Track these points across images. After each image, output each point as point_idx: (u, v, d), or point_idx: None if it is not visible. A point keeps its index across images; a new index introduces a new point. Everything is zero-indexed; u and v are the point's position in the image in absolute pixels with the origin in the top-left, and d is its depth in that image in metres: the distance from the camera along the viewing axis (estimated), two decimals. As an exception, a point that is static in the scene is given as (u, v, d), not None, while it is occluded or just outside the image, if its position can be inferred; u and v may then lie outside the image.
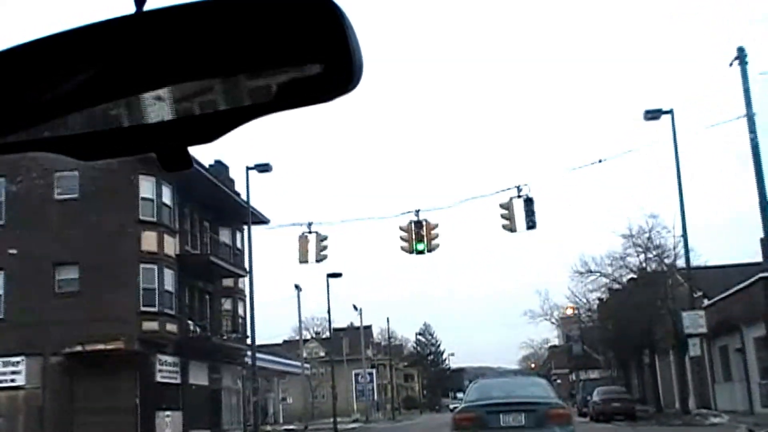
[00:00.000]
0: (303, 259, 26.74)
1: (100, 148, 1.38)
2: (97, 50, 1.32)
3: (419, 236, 24.46)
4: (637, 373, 60.08)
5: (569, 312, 69.76)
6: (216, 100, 1.32)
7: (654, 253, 40.89)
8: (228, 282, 42.42)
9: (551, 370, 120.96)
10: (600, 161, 30.12)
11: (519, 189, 23.81)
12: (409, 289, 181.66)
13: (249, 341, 39.73)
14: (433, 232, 24.69)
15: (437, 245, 24.91)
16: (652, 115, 33.16)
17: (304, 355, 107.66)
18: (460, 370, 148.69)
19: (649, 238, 40.62)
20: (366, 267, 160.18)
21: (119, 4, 1.32)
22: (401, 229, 24.81)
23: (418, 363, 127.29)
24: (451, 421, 14.17)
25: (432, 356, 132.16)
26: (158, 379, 34.78)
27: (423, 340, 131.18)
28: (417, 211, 24.65)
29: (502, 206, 24.02)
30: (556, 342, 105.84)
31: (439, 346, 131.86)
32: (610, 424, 36.10)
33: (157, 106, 1.32)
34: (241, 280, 43.94)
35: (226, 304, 42.59)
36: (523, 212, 23.72)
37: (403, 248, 24.91)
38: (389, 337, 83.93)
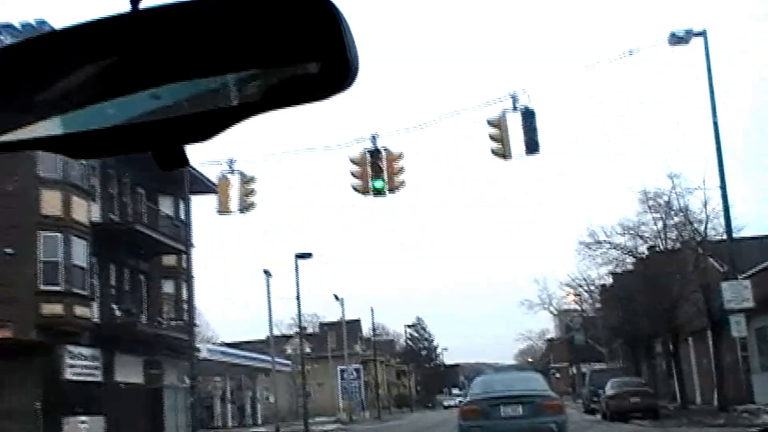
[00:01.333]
0: (223, 209, 19.51)
1: (95, 146, 1.35)
2: (93, 48, 1.29)
3: (377, 169, 17.02)
4: (647, 364, 52.81)
5: (570, 299, 62.53)
6: (212, 99, 1.29)
7: (675, 219, 33.55)
8: (170, 260, 34.99)
9: (550, 363, 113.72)
10: (630, 53, 22.42)
11: (514, 99, 16.53)
12: (398, 281, 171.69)
13: (206, 332, 32.40)
14: (395, 164, 17.33)
15: (402, 183, 17.49)
16: (680, 38, 25.88)
17: (289, 351, 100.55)
18: (455, 366, 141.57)
19: (668, 202, 33.30)
20: (351, 257, 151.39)
21: (115, 2, 1.28)
22: (353, 161, 17.46)
23: (411, 359, 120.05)
24: (459, 412, 16.00)
25: (425, 351, 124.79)
26: (68, 376, 27.40)
27: (415, 334, 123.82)
28: (374, 137, 17.27)
29: (490, 123, 16.77)
30: (554, 334, 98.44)
31: (432, 341, 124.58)
32: (629, 425, 28.79)
33: (153, 105, 1.29)
34: (187, 259, 36.67)
35: (168, 287, 35.18)
36: (520, 130, 16.46)
37: (355, 188, 17.56)
38: (374, 329, 76.58)
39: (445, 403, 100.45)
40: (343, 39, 1.19)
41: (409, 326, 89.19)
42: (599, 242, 36.64)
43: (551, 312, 71.61)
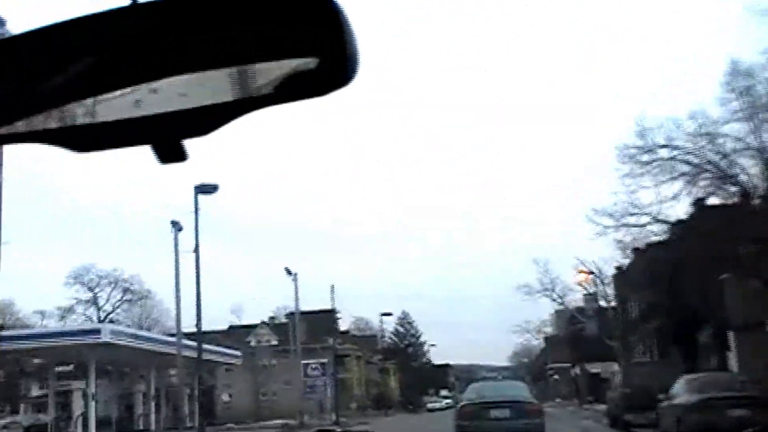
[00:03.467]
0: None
1: (94, 140, 1.32)
2: (93, 42, 1.26)
3: None
4: (687, 356, 37.38)
5: (581, 278, 47.40)
6: (211, 93, 1.26)
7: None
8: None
9: (546, 364, 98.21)
10: None
11: None
12: (385, 273, 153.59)
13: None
14: None
15: None
16: None
17: (253, 343, 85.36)
18: (446, 366, 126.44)
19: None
20: (333, 245, 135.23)
21: (115, -5, 1.10)
22: None
23: (396, 355, 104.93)
24: (456, 413, 18.02)
25: (411, 348, 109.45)
26: None
27: (401, 329, 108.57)
28: None
29: None
30: (552, 328, 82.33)
31: (419, 337, 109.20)
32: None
33: (153, 99, 1.27)
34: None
35: None
36: None
37: None
38: (334, 311, 61.51)
39: (429, 406, 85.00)
40: (343, 34, 1.14)
41: (384, 314, 73.65)
42: (653, 149, 21.23)
43: (553, 299, 56.40)
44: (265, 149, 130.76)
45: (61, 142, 1.29)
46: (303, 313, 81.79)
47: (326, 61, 1.16)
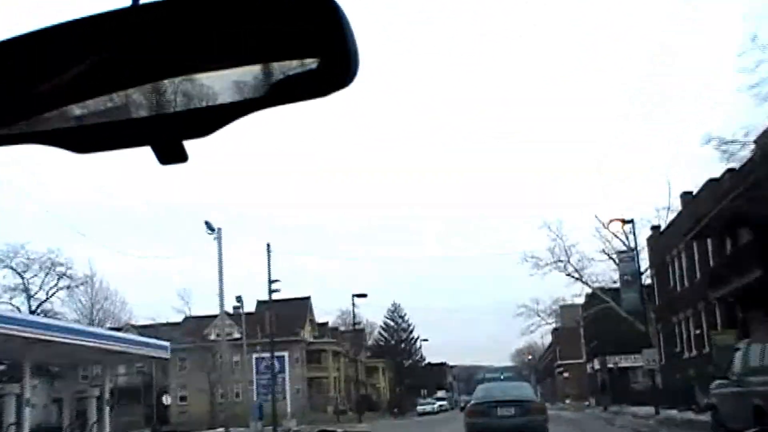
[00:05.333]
0: None
1: (95, 141, 1.30)
2: (93, 43, 1.24)
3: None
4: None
5: (615, 228, 33.06)
6: (212, 94, 1.25)
7: None
8: None
9: (555, 360, 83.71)
10: None
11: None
12: (378, 269, 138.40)
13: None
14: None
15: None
16: None
17: (212, 336, 70.75)
18: (442, 365, 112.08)
19: None
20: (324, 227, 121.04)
21: (117, -3, 1.10)
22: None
23: (386, 352, 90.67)
24: (465, 412, 19.12)
25: (403, 345, 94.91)
26: None
27: (391, 323, 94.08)
28: None
29: None
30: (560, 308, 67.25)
31: (411, 331, 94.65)
32: None
33: (154, 100, 1.26)
34: None
35: None
36: None
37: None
38: (270, 288, 47.16)
39: (420, 409, 70.37)
40: (344, 35, 1.12)
41: (358, 295, 58.93)
42: None
43: (569, 273, 42.09)
44: (262, 139, 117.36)
45: (62, 142, 1.25)
46: (274, 301, 66.69)
47: (327, 62, 1.12)
